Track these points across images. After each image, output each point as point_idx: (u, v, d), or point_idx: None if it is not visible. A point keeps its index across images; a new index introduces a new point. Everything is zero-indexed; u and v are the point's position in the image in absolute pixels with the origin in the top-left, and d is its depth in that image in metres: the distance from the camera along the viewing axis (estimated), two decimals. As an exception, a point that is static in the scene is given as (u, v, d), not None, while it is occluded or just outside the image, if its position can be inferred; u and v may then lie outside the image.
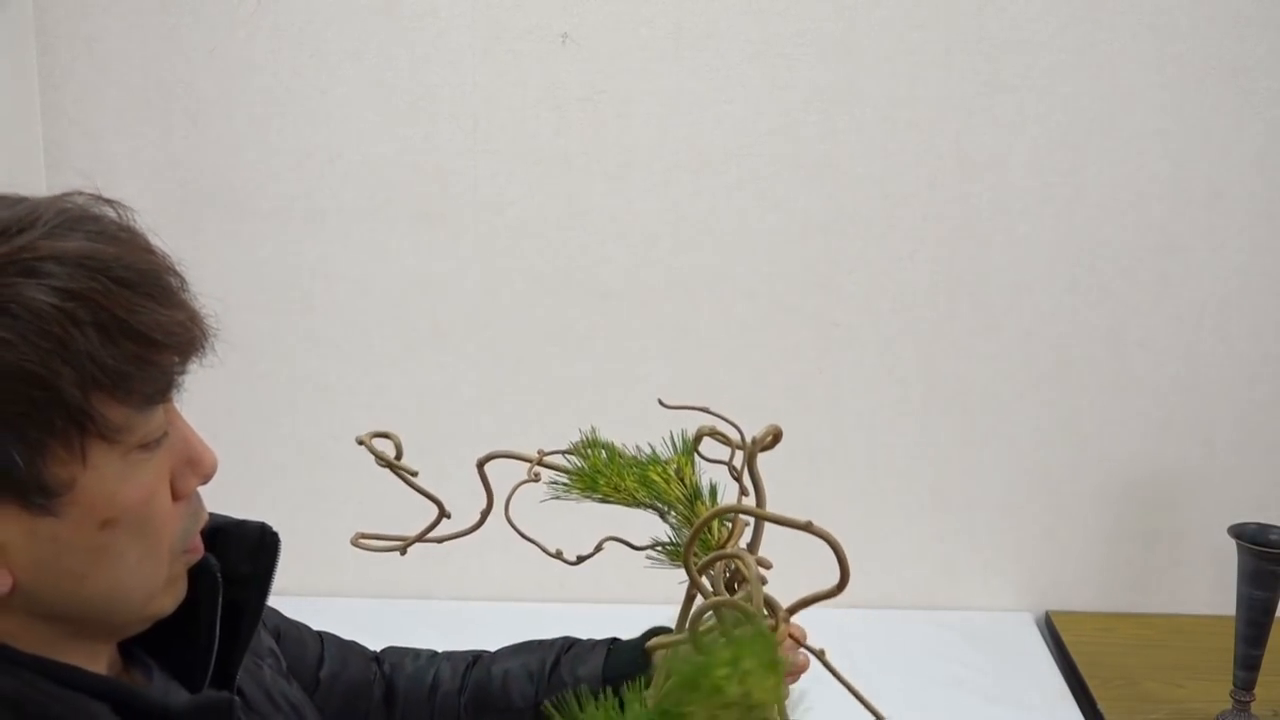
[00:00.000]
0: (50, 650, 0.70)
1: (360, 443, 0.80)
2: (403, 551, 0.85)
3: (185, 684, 0.80)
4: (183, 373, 0.71)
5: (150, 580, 0.71)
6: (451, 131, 1.64)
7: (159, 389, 0.68)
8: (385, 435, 0.81)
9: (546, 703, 0.99)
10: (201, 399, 0.75)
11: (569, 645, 1.05)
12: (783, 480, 1.85)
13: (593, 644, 1.05)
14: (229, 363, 0.72)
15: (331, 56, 1.62)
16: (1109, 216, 1.68)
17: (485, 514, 0.85)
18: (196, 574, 0.77)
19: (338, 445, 1.75)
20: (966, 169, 1.66)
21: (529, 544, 0.88)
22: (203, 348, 0.71)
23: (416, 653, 1.09)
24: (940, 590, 1.81)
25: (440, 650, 1.10)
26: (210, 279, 0.74)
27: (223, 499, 0.81)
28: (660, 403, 0.90)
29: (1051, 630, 1.77)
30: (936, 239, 1.68)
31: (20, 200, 0.69)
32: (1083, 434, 1.76)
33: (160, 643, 0.79)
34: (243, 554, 0.81)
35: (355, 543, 0.84)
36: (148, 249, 0.70)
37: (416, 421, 1.74)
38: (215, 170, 1.64)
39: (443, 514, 0.83)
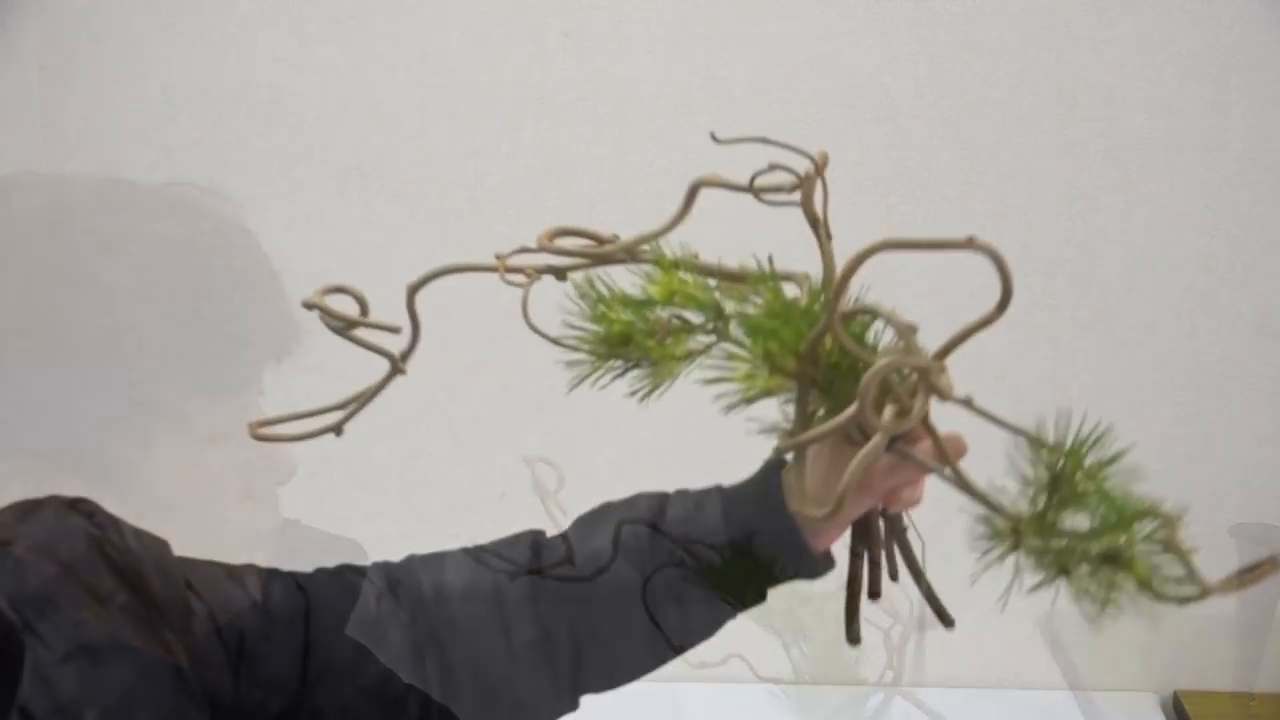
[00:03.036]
0: None
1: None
2: (338, 433, 0.71)
3: None
4: None
5: None
6: (451, 131, 1.64)
7: None
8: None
9: None
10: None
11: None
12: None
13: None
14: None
15: (332, 56, 1.62)
16: (1109, 216, 1.68)
17: (407, 353, 0.70)
18: None
19: (338, 445, 1.75)
20: (967, 169, 1.66)
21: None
22: None
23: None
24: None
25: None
26: (208, 278, 0.74)
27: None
28: (713, 137, 0.76)
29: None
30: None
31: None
32: (1082, 434, 1.75)
33: None
34: None
35: (255, 434, 0.69)
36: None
37: (416, 421, 1.74)
38: (214, 170, 1.64)
39: (396, 370, 0.70)
